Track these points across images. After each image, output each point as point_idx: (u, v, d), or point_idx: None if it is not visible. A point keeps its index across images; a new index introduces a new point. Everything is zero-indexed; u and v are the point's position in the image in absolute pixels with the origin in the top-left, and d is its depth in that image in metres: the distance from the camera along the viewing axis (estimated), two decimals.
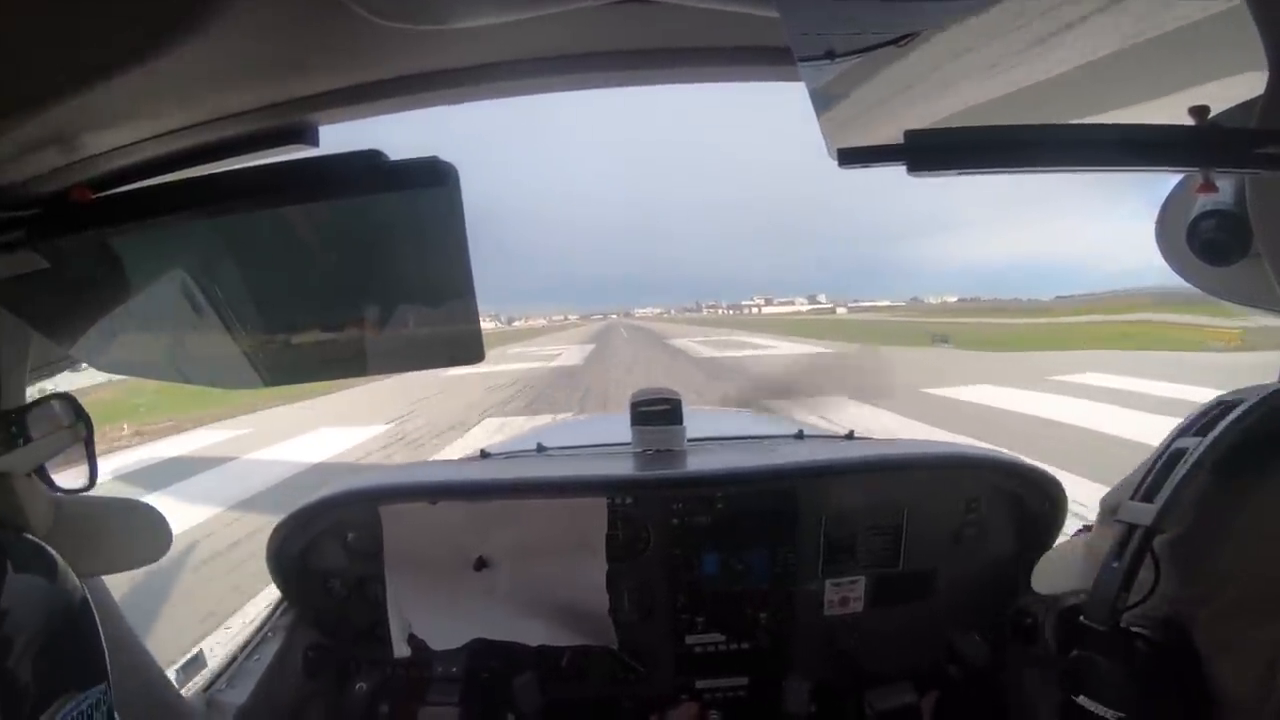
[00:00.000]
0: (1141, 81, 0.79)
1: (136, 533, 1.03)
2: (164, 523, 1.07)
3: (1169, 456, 0.88)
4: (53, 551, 0.73)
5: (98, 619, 0.71)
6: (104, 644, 0.73)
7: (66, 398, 0.91)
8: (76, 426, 0.90)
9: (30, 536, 0.74)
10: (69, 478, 0.92)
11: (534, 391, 15.32)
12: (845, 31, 0.65)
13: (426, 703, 1.64)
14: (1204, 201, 0.78)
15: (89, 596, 0.73)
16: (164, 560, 1.09)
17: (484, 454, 2.14)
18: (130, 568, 1.02)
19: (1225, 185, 0.78)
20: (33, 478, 0.85)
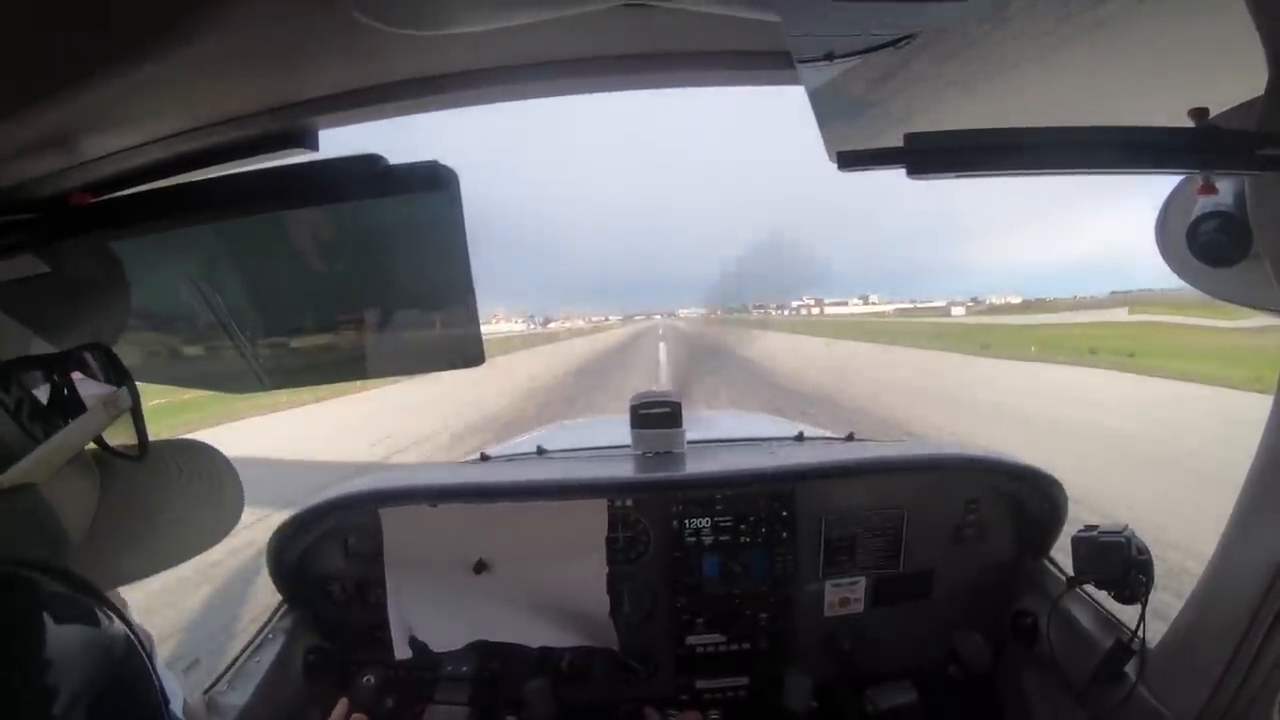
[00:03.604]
0: (1141, 83, 0.79)
1: (203, 500, 0.75)
2: (233, 475, 0.77)
3: None
4: (93, 588, 0.55)
5: (146, 660, 0.56)
6: (158, 687, 0.58)
7: (100, 350, 0.65)
8: (119, 397, 0.65)
9: (61, 574, 0.54)
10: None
11: None
12: (845, 35, 0.65)
13: (435, 701, 1.64)
14: (1204, 203, 0.78)
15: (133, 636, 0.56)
16: None
17: (484, 457, 2.15)
18: (193, 554, 0.73)
19: (1225, 187, 0.78)
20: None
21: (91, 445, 0.64)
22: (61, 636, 0.50)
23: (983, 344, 26.21)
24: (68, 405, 0.61)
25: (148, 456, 0.69)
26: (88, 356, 0.64)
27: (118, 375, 0.66)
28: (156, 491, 0.72)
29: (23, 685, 0.45)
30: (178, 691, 0.99)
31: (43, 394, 0.60)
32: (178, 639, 4.11)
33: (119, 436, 0.66)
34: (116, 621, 0.54)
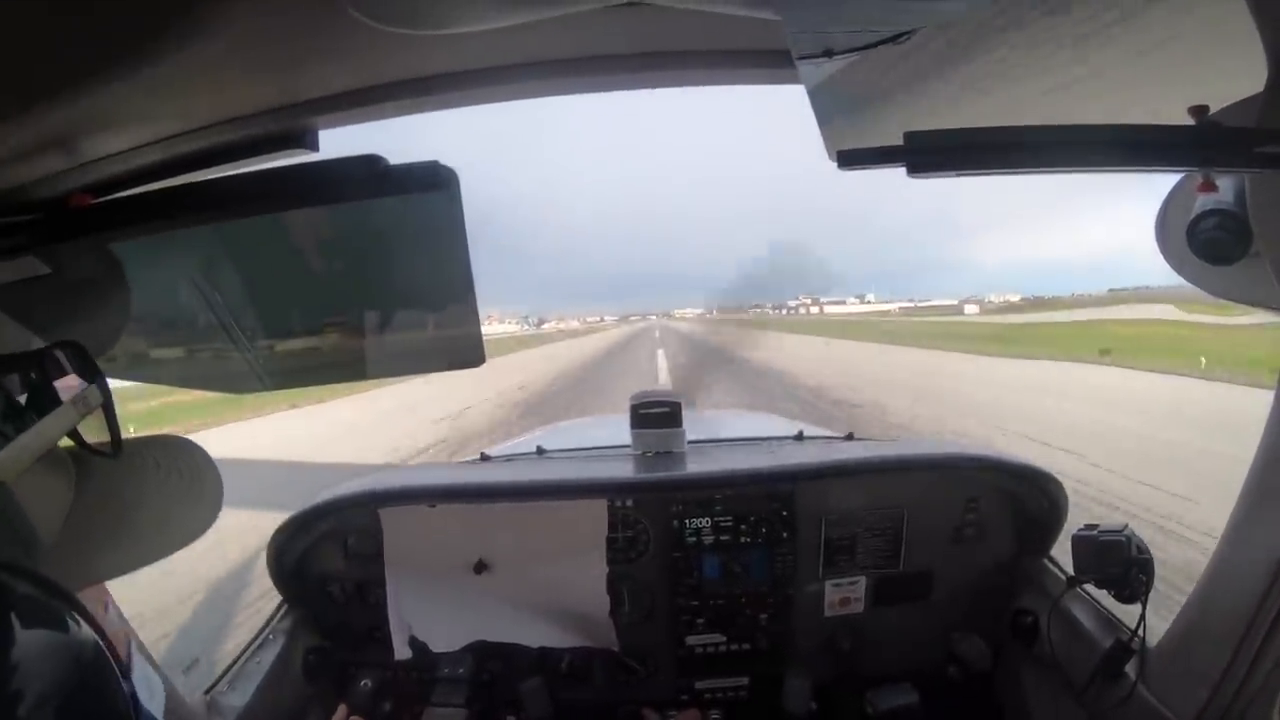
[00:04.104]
0: (1141, 81, 0.79)
1: (181, 496, 0.73)
2: (212, 469, 0.76)
3: None
4: (63, 589, 0.54)
5: (114, 664, 0.56)
6: (128, 692, 0.57)
7: (71, 347, 0.64)
8: (89, 394, 0.64)
9: (30, 575, 0.54)
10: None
11: None
12: (843, 33, 0.66)
13: (432, 703, 1.64)
14: (1204, 201, 0.78)
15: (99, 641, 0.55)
16: None
17: (484, 457, 2.15)
18: (172, 550, 0.72)
19: (1225, 184, 0.78)
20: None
21: (67, 442, 0.64)
22: (26, 640, 0.49)
23: (1101, 349, 18.28)
24: (37, 403, 0.60)
25: (123, 453, 0.69)
26: (59, 354, 0.63)
27: (88, 372, 0.65)
28: (133, 488, 0.71)
29: None
30: (159, 690, 0.98)
31: (12, 392, 0.59)
32: None
33: (95, 433, 0.66)
34: (85, 626, 0.53)
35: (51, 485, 0.63)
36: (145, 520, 0.71)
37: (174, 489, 0.74)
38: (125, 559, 0.69)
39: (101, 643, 0.54)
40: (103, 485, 0.68)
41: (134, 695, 0.60)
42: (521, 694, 1.66)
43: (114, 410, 0.67)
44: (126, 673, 0.60)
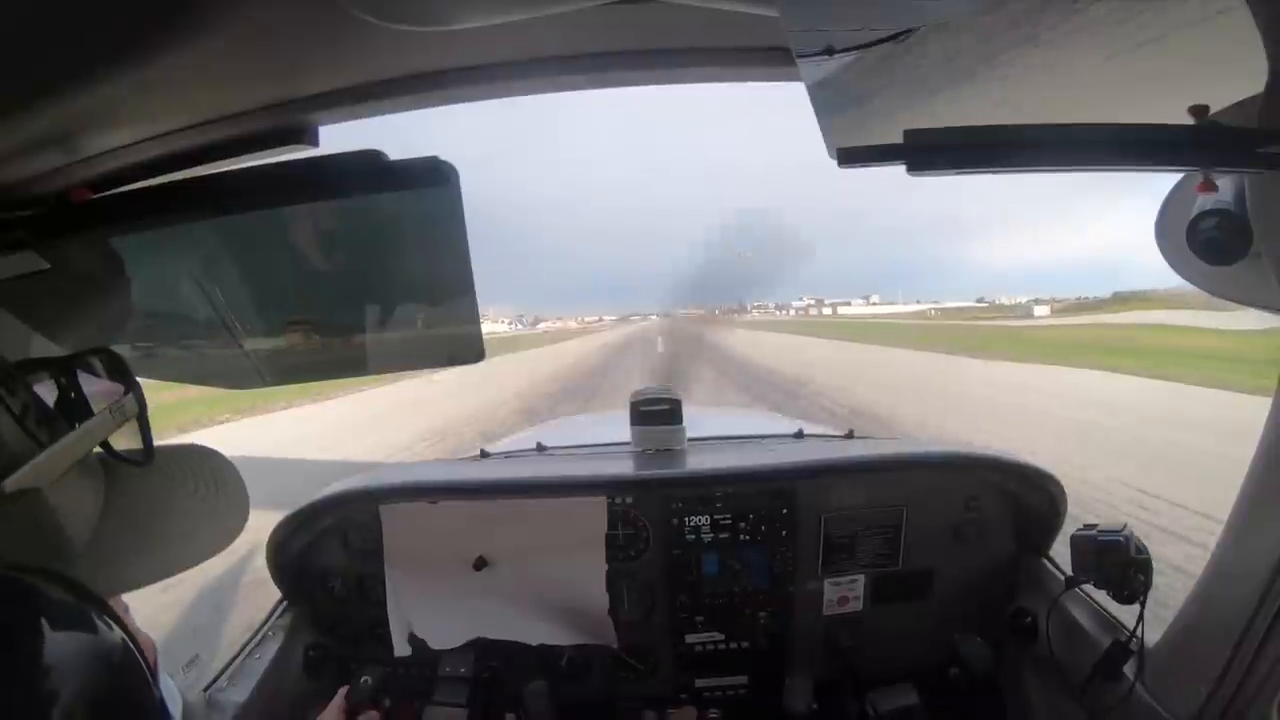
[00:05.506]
0: (1142, 81, 0.79)
1: (209, 506, 0.73)
2: (236, 479, 0.76)
3: None
4: (94, 594, 0.54)
5: (146, 669, 0.55)
6: (159, 697, 0.56)
7: (106, 355, 0.64)
8: (125, 403, 0.64)
9: (62, 580, 0.53)
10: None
11: None
12: (844, 30, 0.65)
13: (433, 702, 1.64)
14: (1204, 201, 0.78)
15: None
16: None
17: (484, 454, 2.15)
18: (198, 560, 0.72)
19: (1225, 184, 0.78)
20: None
21: (97, 450, 0.64)
22: (60, 644, 0.49)
23: None
24: (73, 410, 0.60)
25: (153, 462, 0.69)
26: (94, 361, 0.64)
27: (124, 381, 0.65)
28: (162, 497, 0.71)
29: (18, 693, 0.44)
30: (176, 696, 0.99)
31: (48, 399, 0.59)
32: None
33: (123, 441, 0.66)
34: (116, 629, 0.53)
35: (82, 492, 0.63)
36: (173, 530, 0.71)
37: (201, 500, 0.73)
38: (151, 569, 0.68)
39: (133, 647, 0.54)
40: (132, 493, 0.68)
41: (163, 701, 0.59)
42: (524, 696, 1.66)
43: (148, 419, 0.68)
44: (156, 678, 0.59)
